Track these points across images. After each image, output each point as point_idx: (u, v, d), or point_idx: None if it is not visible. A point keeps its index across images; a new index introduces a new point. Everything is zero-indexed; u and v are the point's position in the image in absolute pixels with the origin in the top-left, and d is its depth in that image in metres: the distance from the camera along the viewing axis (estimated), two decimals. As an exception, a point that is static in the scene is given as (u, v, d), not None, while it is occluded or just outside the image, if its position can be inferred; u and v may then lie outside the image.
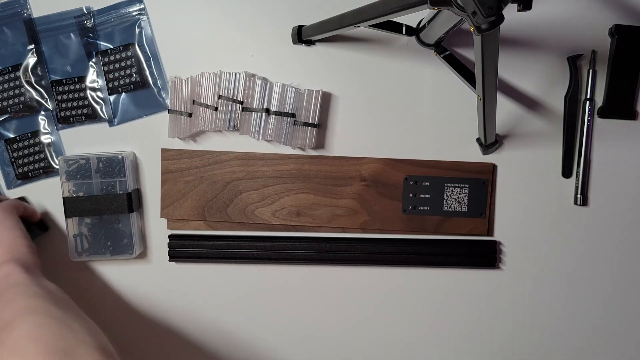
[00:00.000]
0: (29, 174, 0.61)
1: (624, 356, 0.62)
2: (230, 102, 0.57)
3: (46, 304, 0.45)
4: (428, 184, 0.59)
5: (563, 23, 0.58)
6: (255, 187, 0.60)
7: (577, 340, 0.62)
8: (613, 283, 0.61)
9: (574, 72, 0.58)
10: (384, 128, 0.60)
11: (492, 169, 0.60)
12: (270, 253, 0.60)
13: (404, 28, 0.56)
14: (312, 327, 0.62)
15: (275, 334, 0.62)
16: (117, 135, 0.60)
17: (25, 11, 0.59)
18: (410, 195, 0.60)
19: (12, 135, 0.60)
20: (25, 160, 0.61)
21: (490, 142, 0.57)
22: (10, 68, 0.60)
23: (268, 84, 0.58)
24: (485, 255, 0.60)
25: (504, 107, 0.59)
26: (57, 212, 0.61)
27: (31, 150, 0.60)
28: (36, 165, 0.61)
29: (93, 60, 0.60)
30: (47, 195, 0.61)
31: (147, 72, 0.60)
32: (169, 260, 0.61)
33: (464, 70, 0.57)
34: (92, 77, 0.60)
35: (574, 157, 0.60)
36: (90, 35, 0.59)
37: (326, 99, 0.59)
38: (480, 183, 0.60)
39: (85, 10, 0.59)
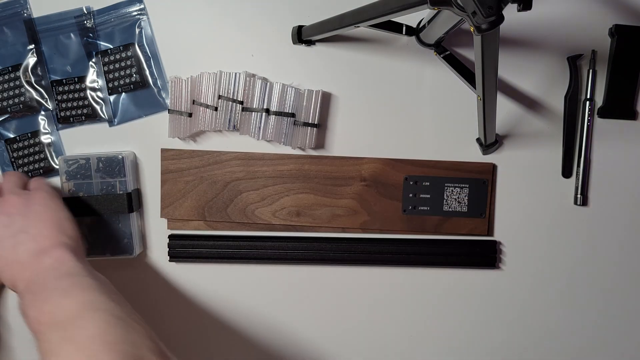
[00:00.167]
0: (29, 174, 0.61)
1: (624, 356, 0.62)
2: (230, 102, 0.57)
3: (107, 300, 0.44)
4: (428, 184, 0.59)
5: (563, 23, 0.58)
6: (255, 187, 0.60)
7: (577, 340, 0.62)
8: (613, 283, 0.61)
9: (574, 72, 0.58)
10: (384, 128, 0.60)
11: (492, 169, 0.60)
12: (270, 253, 0.60)
13: (404, 28, 0.56)
14: (312, 327, 0.62)
15: (275, 334, 0.62)
16: (117, 135, 0.60)
17: (25, 11, 0.59)
18: (410, 195, 0.60)
19: (12, 135, 0.60)
20: (25, 160, 0.61)
21: (490, 142, 0.57)
22: (10, 68, 0.60)
23: (268, 84, 0.58)
24: (485, 255, 0.60)
25: (504, 107, 0.59)
26: (57, 212, 0.61)
27: (31, 150, 0.60)
28: (36, 165, 0.61)
29: (93, 60, 0.60)
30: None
31: (147, 72, 0.60)
32: (169, 260, 0.61)
33: (464, 70, 0.57)
34: (92, 77, 0.60)
35: (574, 157, 0.60)
36: (90, 35, 0.59)
37: (326, 99, 0.59)
38: (480, 183, 0.60)
39: (85, 10, 0.59)
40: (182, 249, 0.61)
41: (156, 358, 0.40)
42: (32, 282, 0.46)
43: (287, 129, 0.58)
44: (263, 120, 0.58)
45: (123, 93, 0.60)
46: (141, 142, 0.61)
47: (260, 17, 0.59)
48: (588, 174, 0.60)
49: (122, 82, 0.60)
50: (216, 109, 0.57)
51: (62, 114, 0.60)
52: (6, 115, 0.60)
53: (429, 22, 0.52)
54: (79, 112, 0.60)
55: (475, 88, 0.56)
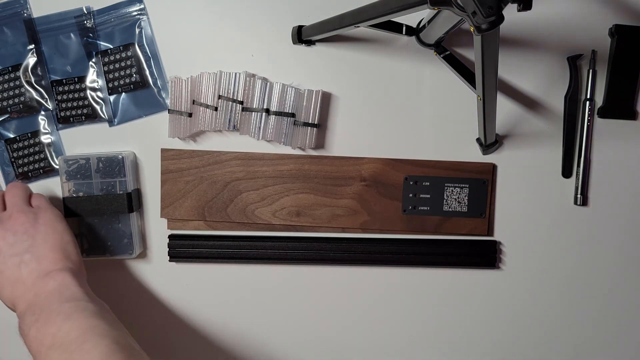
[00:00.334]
0: (29, 174, 0.61)
1: (624, 356, 0.62)
2: (230, 102, 0.57)
3: (109, 327, 0.45)
4: (428, 184, 0.59)
5: (563, 23, 0.58)
6: (255, 187, 0.60)
7: (577, 340, 0.62)
8: (613, 283, 0.61)
9: (574, 72, 0.58)
10: (384, 128, 0.60)
11: (492, 169, 0.60)
12: (270, 253, 0.60)
13: (404, 28, 0.56)
14: (312, 327, 0.62)
15: (275, 333, 0.62)
16: (117, 135, 0.60)
17: (25, 11, 0.59)
18: (410, 195, 0.60)
19: (12, 135, 0.60)
20: (25, 160, 0.61)
21: (490, 142, 0.57)
22: (10, 68, 0.60)
23: (268, 84, 0.58)
24: (485, 255, 0.60)
25: (504, 107, 0.59)
26: (57, 212, 0.61)
27: (31, 150, 0.60)
28: (36, 165, 0.61)
29: (93, 60, 0.60)
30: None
31: (147, 72, 0.60)
32: (169, 260, 0.61)
33: (464, 70, 0.57)
34: (92, 77, 0.60)
35: (574, 157, 0.60)
36: (90, 35, 0.59)
37: (326, 99, 0.59)
38: (480, 183, 0.60)
39: (85, 10, 0.59)
40: (182, 249, 0.61)
41: None
42: (34, 304, 0.47)
43: (287, 129, 0.58)
44: (263, 120, 0.58)
45: (123, 93, 0.60)
46: (141, 142, 0.61)
47: (260, 17, 0.59)
48: (588, 174, 0.60)
49: (122, 82, 0.60)
50: (216, 109, 0.57)
51: (62, 114, 0.60)
52: (6, 115, 0.60)
53: (429, 22, 0.52)
54: (79, 112, 0.60)
55: (475, 88, 0.56)
